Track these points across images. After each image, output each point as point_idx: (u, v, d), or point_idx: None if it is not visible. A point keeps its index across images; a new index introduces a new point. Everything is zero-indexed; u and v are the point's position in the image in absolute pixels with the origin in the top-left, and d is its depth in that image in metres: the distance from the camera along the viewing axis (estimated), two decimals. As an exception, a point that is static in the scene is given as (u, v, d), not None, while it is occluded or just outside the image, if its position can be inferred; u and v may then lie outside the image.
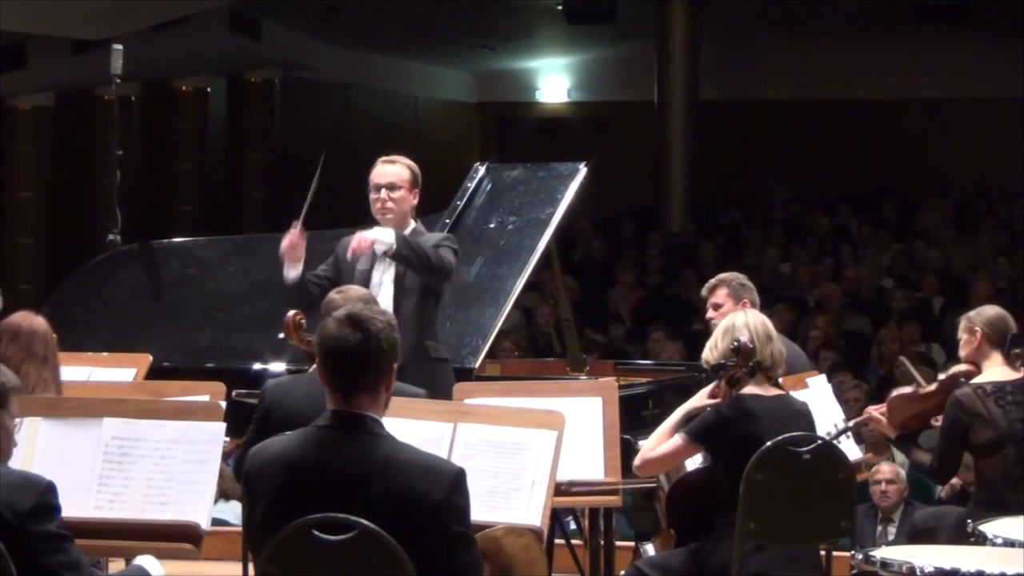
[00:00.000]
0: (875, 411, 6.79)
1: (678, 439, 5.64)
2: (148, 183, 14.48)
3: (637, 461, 5.77)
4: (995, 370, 6.53)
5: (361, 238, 6.62)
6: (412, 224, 6.78)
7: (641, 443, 6.03)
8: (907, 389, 6.81)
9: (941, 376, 6.79)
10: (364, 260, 6.74)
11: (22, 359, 5.19)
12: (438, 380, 6.33)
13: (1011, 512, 5.70)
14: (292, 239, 6.74)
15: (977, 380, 6.50)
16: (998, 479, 6.37)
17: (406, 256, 6.59)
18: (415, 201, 6.80)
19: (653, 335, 12.57)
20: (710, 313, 6.96)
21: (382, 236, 6.60)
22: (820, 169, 18.71)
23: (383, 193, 6.73)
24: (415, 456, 3.92)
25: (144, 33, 12.98)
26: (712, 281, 7.12)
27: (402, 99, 20.01)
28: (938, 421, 6.64)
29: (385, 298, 6.61)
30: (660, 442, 5.71)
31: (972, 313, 6.71)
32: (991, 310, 6.69)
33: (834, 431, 6.43)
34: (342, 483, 3.85)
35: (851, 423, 6.70)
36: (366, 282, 6.70)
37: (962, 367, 6.66)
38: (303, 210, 6.75)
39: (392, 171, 6.77)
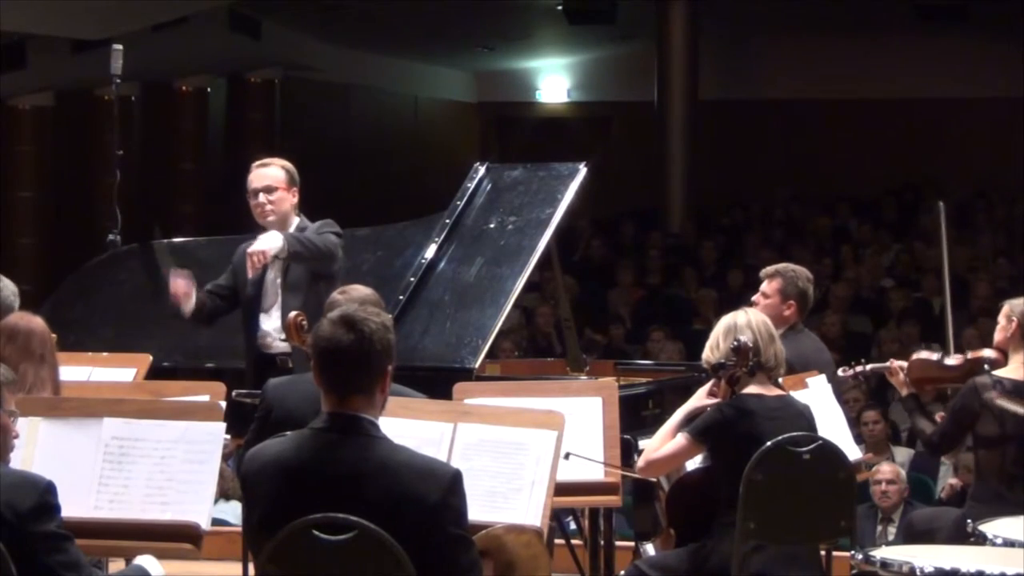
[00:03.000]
0: (897, 363, 6.75)
1: (681, 439, 5.63)
2: (148, 183, 14.47)
3: (640, 463, 5.75)
4: (1020, 367, 6.42)
5: (254, 253, 6.62)
6: (296, 220, 6.83)
7: (642, 443, 6.02)
8: (933, 355, 6.81)
9: (969, 354, 6.75)
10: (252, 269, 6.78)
11: (20, 358, 5.19)
12: None
13: (1007, 509, 5.70)
14: (181, 289, 6.80)
15: (1000, 372, 6.44)
16: (994, 474, 6.36)
17: (299, 252, 6.65)
18: (295, 199, 6.85)
19: (653, 335, 12.57)
20: (756, 297, 6.85)
21: (271, 243, 6.62)
22: (820, 169, 18.71)
23: (261, 198, 6.79)
24: (411, 458, 3.91)
25: (144, 33, 12.97)
26: (771, 268, 6.95)
27: (402, 99, 20.01)
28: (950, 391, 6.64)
29: (273, 296, 6.74)
30: (663, 443, 5.70)
31: (1016, 300, 6.53)
32: None
33: (851, 371, 6.50)
34: (338, 486, 3.85)
35: (869, 367, 6.70)
36: (260, 285, 6.77)
37: (991, 353, 6.60)
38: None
39: (267, 174, 6.83)
